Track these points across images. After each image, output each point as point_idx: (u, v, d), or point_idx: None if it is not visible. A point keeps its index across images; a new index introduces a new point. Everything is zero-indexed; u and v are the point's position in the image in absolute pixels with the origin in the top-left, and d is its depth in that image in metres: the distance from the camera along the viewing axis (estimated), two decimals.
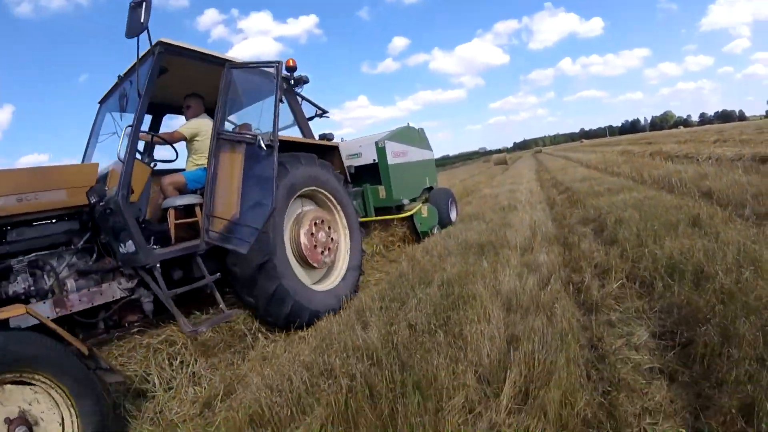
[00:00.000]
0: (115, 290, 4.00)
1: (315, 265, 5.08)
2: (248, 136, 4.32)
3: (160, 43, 4.23)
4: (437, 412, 2.37)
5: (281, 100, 5.25)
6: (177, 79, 5.24)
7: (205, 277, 4.23)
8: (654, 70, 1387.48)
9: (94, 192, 4.01)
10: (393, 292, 4.53)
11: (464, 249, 5.94)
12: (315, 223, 5.11)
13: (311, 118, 6.59)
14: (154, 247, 4.11)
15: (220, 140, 4.39)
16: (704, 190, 7.08)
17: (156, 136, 5.37)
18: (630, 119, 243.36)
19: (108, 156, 4.81)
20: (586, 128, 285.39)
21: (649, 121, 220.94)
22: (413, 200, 9.08)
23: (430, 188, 10.22)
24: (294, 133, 6.02)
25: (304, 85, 6.05)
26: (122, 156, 4.01)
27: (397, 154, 8.56)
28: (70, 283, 3.87)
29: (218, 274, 4.31)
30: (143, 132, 4.93)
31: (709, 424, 2.06)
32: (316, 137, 6.26)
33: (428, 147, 10.49)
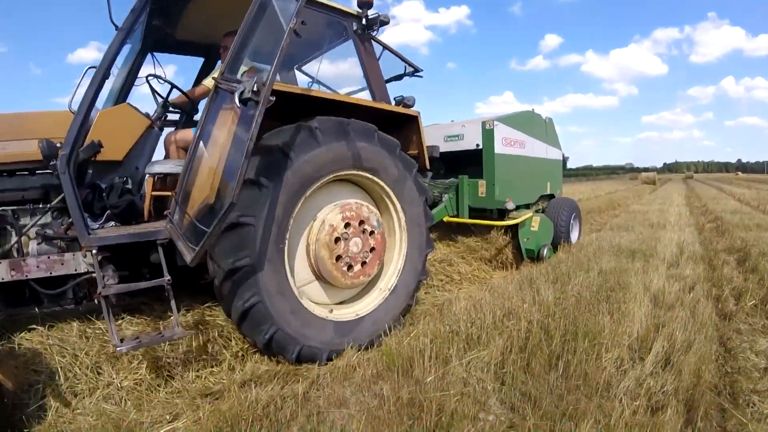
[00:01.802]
0: (79, 262, 3.43)
1: (334, 284, 3.79)
2: (233, 84, 3.22)
3: None
4: (597, 359, 3.23)
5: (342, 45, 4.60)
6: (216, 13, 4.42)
7: (163, 274, 3.26)
8: None
9: (45, 146, 3.32)
10: (555, 272, 5.39)
11: (617, 252, 6.67)
12: (347, 225, 3.72)
13: (395, 78, 5.29)
14: (97, 227, 3.54)
15: (218, 89, 3.48)
16: None
17: (177, 89, 4.59)
18: None
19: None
20: (744, 159, 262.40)
21: None
22: (525, 207, 7.50)
23: (551, 196, 8.34)
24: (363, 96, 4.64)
25: (383, 28, 4.45)
26: (73, 105, 3.50)
27: (509, 143, 6.99)
28: (32, 246, 3.47)
29: (168, 277, 3.24)
30: (160, 80, 4.49)
31: None
32: (392, 103, 4.65)
33: (556, 144, 8.50)
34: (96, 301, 3.29)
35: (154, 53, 4.89)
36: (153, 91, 4.65)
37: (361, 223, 3.83)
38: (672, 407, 2.61)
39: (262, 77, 2.88)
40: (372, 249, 3.92)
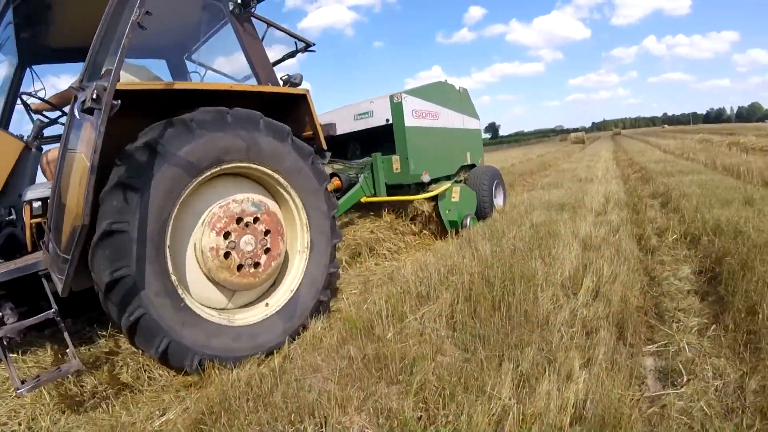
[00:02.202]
0: None
1: (226, 286, 3.43)
2: (77, 91, 3.03)
3: None
4: (534, 299, 3.48)
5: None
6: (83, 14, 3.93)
7: (51, 307, 3.01)
8: (743, 56, 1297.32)
9: None
10: (491, 230, 5.65)
11: (547, 207, 7.02)
12: (237, 221, 3.37)
13: (288, 57, 5.10)
14: None
15: (75, 98, 3.15)
16: None
17: (42, 100, 4.27)
18: (716, 107, 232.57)
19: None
20: (669, 113, 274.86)
21: (735, 111, 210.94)
22: (446, 179, 7.31)
23: (473, 166, 8.21)
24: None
25: (259, 4, 4.13)
26: None
27: (420, 115, 6.79)
28: None
29: (53, 309, 2.99)
30: (27, 94, 4.30)
31: (724, 317, 3.11)
32: (281, 83, 4.34)
33: (473, 114, 8.45)
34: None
35: (33, 66, 4.60)
36: (27, 108, 4.41)
37: (256, 221, 3.47)
38: (605, 329, 2.89)
39: (102, 83, 2.62)
40: (267, 248, 3.53)
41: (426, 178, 6.59)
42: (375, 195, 6.82)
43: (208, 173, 3.27)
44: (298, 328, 3.73)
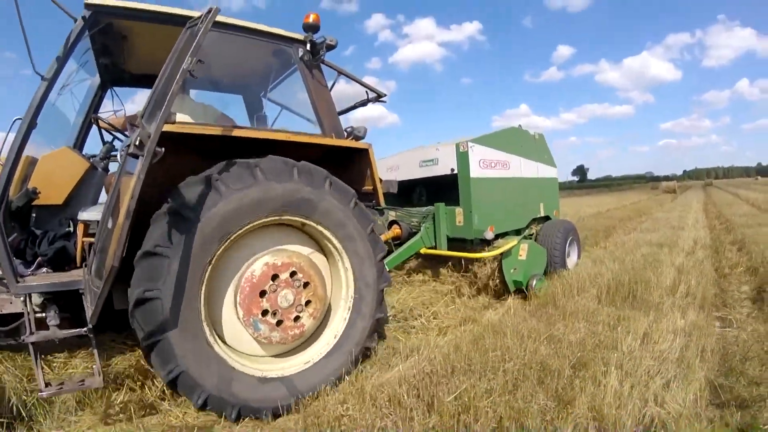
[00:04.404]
0: (30, 308, 3.30)
1: (254, 337, 3.42)
2: (133, 132, 3.00)
3: (86, 5, 3.36)
4: (650, 294, 5.81)
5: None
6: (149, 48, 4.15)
7: (86, 323, 3.06)
8: None
9: None
10: (613, 256, 8.11)
11: (649, 244, 9.40)
12: (274, 277, 3.38)
13: (358, 106, 5.16)
14: (28, 274, 3.56)
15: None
16: None
17: (108, 124, 4.46)
18: None
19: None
20: (764, 162, 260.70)
21: None
22: (516, 233, 6.87)
23: (547, 218, 7.63)
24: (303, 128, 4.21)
25: (328, 51, 4.14)
26: (2, 152, 3.42)
27: (489, 165, 6.34)
28: None
29: (85, 328, 3.07)
30: (101, 119, 4.52)
31: (762, 308, 5.43)
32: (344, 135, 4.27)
33: (549, 161, 7.71)
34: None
35: (114, 88, 4.88)
36: (99, 131, 4.72)
37: (294, 275, 3.45)
38: (692, 309, 5.24)
39: (148, 129, 2.62)
40: (307, 302, 3.54)
41: (489, 235, 6.13)
42: (435, 247, 6.49)
43: (241, 231, 3.29)
44: (342, 374, 3.71)
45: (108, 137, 4.88)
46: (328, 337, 3.84)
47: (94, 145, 5.07)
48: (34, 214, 4.01)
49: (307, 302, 3.56)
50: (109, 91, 4.92)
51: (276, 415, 3.33)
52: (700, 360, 3.63)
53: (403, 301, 5.97)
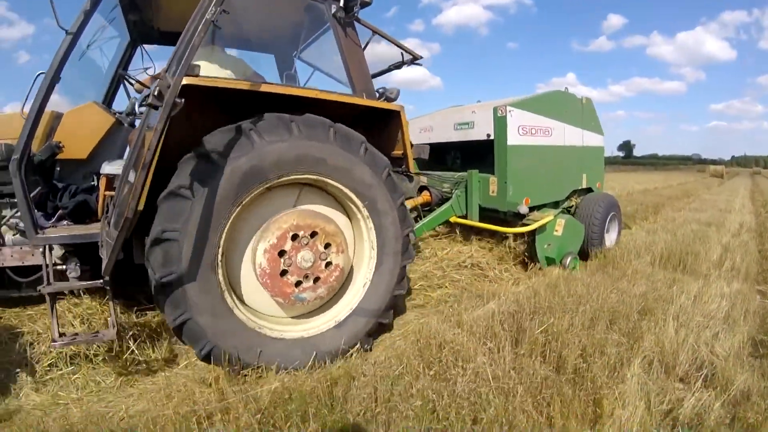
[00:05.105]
0: (48, 259, 3.33)
1: (279, 299, 3.39)
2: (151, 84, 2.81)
3: None
4: (699, 264, 6.44)
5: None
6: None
7: (101, 276, 3.07)
8: None
9: (3, 149, 3.49)
10: (665, 228, 8.76)
11: (698, 223, 10.02)
12: (294, 236, 3.33)
13: (393, 68, 4.94)
14: (48, 226, 3.58)
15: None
16: None
17: (135, 80, 3.87)
18: None
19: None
20: None
21: None
22: (554, 205, 6.44)
23: (589, 190, 7.04)
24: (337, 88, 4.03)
25: (362, 9, 3.97)
26: (26, 106, 3.43)
27: (529, 132, 5.84)
28: (8, 237, 3.61)
29: (100, 280, 3.12)
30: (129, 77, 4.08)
31: None
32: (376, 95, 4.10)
33: (596, 128, 7.03)
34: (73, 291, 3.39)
35: (144, 46, 4.82)
36: (125, 87, 4.77)
37: (314, 235, 3.40)
38: (736, 279, 5.85)
39: (168, 80, 2.54)
40: (329, 263, 3.50)
41: (524, 209, 5.78)
42: (465, 217, 6.17)
43: (268, 184, 3.23)
44: (353, 346, 3.66)
45: (136, 95, 4.73)
46: (341, 306, 3.79)
47: (123, 101, 5.08)
48: (58, 168, 4.00)
49: (317, 278, 3.51)
50: (139, 49, 4.90)
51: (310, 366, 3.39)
52: (744, 319, 4.29)
53: (476, 255, 6.23)
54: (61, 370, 3.39)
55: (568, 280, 5.28)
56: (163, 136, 2.60)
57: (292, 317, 3.66)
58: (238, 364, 3.18)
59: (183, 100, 2.59)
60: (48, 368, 3.39)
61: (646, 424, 2.64)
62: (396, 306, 4.11)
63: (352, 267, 3.88)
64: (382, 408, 2.79)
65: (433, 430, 2.60)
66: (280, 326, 3.52)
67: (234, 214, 3.12)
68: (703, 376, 3.21)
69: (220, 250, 3.11)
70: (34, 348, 3.52)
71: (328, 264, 3.50)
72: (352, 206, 3.69)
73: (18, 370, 3.34)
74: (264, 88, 3.30)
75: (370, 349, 3.82)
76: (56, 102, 3.87)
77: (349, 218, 3.86)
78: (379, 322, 3.84)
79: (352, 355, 3.62)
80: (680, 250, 6.79)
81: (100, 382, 3.32)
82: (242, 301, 3.43)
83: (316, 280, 3.49)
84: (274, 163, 3.17)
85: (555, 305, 4.33)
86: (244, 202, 3.15)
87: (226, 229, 3.10)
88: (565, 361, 3.34)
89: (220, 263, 3.13)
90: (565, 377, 3.13)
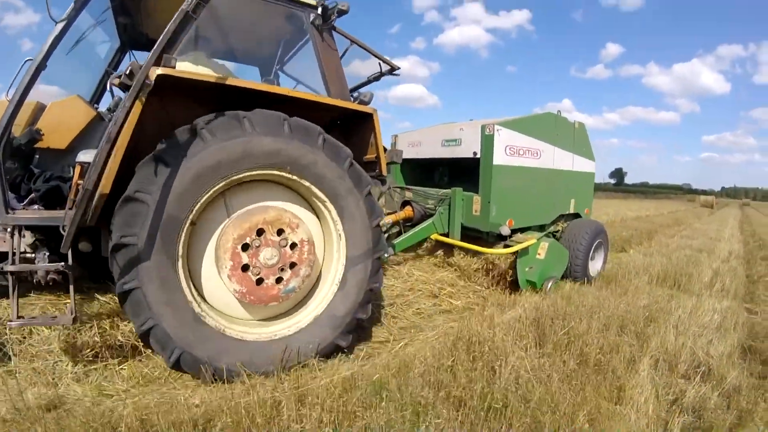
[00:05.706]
0: (17, 242, 3.26)
1: (273, 304, 3.45)
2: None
3: None
4: (692, 284, 7.10)
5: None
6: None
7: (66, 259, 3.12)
8: None
9: None
10: (661, 253, 9.44)
11: (690, 249, 10.74)
12: (258, 232, 3.30)
13: (372, 80, 4.83)
14: (20, 208, 3.48)
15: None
16: None
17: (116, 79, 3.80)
18: None
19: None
20: None
21: None
22: (540, 228, 6.39)
23: (576, 216, 7.06)
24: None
25: (339, 17, 3.97)
26: (10, 91, 3.41)
27: (516, 152, 5.74)
28: None
29: (62, 263, 3.14)
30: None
31: None
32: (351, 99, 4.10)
33: (587, 154, 7.02)
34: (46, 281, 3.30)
35: (133, 51, 4.92)
36: (112, 90, 4.86)
37: (281, 232, 3.37)
38: (726, 299, 6.48)
39: (140, 62, 2.60)
40: (293, 263, 3.45)
41: (506, 231, 5.73)
42: (448, 234, 6.04)
43: (222, 183, 3.20)
44: (332, 343, 3.67)
45: (121, 95, 4.63)
46: (314, 305, 3.76)
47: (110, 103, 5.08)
48: (37, 156, 3.97)
49: (293, 264, 3.47)
50: (128, 54, 4.97)
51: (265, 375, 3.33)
52: (734, 329, 4.92)
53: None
54: (105, 360, 3.48)
55: (580, 292, 5.87)
56: (130, 115, 2.67)
57: (267, 318, 3.70)
58: (208, 370, 3.17)
59: (153, 81, 2.68)
60: (91, 358, 3.49)
61: (657, 409, 3.24)
62: (370, 300, 4.02)
63: (322, 264, 3.91)
64: (444, 392, 3.29)
65: (493, 408, 3.08)
66: (251, 328, 3.52)
67: (192, 215, 3.14)
68: (701, 373, 3.80)
69: (181, 252, 3.12)
70: (75, 338, 3.58)
71: (293, 246, 3.46)
72: (316, 201, 3.68)
73: (58, 360, 3.40)
74: (232, 82, 3.31)
75: (348, 347, 3.90)
76: (46, 97, 4.05)
77: (317, 215, 3.86)
78: (356, 318, 3.84)
79: (403, 347, 4.17)
80: (675, 272, 7.45)
81: (147, 374, 3.45)
82: (208, 304, 3.44)
83: (293, 266, 3.47)
84: (229, 161, 3.17)
85: (571, 313, 4.91)
86: (202, 201, 3.17)
87: (184, 230, 3.12)
88: (587, 357, 3.93)
89: (181, 266, 3.14)
90: (590, 369, 3.73)
